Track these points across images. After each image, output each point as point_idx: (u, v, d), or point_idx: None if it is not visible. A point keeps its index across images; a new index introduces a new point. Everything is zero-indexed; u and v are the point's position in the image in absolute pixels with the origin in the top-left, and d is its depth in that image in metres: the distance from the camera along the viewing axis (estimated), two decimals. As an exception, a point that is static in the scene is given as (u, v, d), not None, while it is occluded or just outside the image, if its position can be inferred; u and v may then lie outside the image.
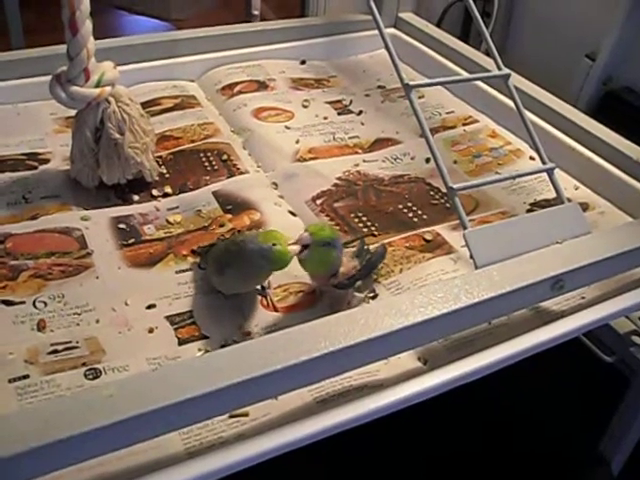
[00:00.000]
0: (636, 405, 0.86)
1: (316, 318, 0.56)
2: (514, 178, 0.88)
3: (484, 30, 0.85)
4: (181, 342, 0.65)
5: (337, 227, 0.82)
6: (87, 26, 0.77)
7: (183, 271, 0.74)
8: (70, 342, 0.64)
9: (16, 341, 0.63)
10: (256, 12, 1.87)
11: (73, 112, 0.83)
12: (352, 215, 0.84)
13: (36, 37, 1.22)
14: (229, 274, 0.67)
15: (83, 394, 0.52)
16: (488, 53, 0.85)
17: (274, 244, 0.64)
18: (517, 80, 0.97)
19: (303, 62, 1.20)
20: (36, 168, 0.88)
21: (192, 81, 1.12)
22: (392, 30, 1.25)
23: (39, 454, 0.44)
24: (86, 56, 0.78)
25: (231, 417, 0.57)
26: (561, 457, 0.97)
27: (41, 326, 0.65)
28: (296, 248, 0.65)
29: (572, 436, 0.99)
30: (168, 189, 0.86)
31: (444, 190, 0.72)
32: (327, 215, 0.84)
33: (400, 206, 0.86)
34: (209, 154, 0.93)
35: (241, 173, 0.90)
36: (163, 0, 2.20)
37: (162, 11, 2.24)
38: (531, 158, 0.96)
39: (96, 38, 0.80)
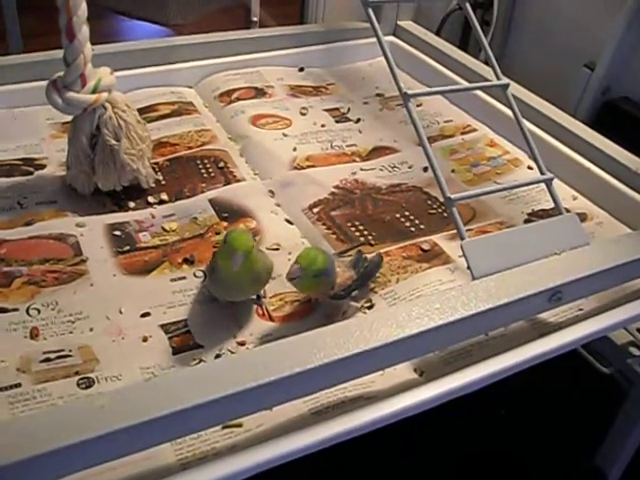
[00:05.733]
0: (633, 416, 0.85)
1: (312, 328, 0.56)
2: (512, 188, 0.88)
3: (483, 39, 0.84)
4: (175, 351, 0.65)
5: (334, 236, 0.81)
6: (84, 32, 0.77)
7: (178, 279, 0.73)
8: (63, 350, 0.63)
9: (8, 349, 0.63)
10: (255, 19, 1.87)
11: (70, 117, 0.83)
12: (349, 224, 0.84)
13: (36, 41, 1.21)
14: (214, 278, 0.68)
15: (75, 404, 0.51)
16: (487, 62, 0.85)
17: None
18: (516, 89, 0.97)
19: (301, 69, 1.20)
20: (32, 173, 0.88)
21: (190, 87, 1.12)
22: (391, 38, 1.25)
23: (29, 465, 0.43)
24: (83, 62, 0.78)
25: (225, 428, 0.57)
26: (558, 468, 0.97)
27: (34, 334, 0.64)
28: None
29: (569, 447, 0.98)
30: (164, 196, 0.86)
31: (442, 199, 0.72)
32: (324, 224, 0.83)
33: (397, 215, 0.86)
34: (206, 161, 0.93)
35: (238, 180, 0.90)
36: (162, 5, 2.20)
37: (161, 16, 2.23)
38: (529, 167, 0.95)
39: (94, 43, 0.80)
